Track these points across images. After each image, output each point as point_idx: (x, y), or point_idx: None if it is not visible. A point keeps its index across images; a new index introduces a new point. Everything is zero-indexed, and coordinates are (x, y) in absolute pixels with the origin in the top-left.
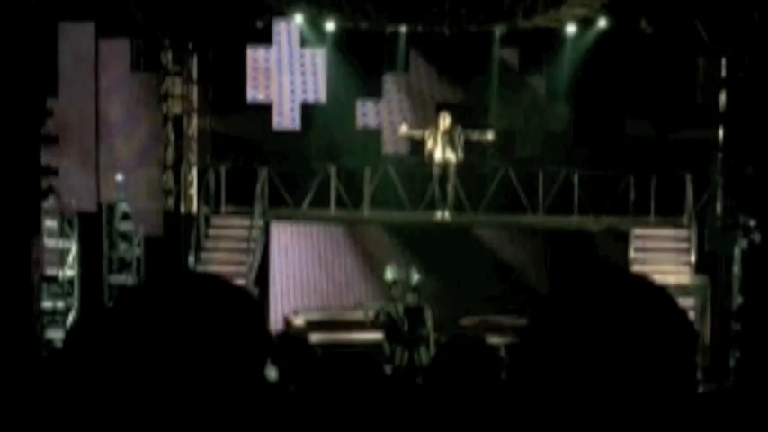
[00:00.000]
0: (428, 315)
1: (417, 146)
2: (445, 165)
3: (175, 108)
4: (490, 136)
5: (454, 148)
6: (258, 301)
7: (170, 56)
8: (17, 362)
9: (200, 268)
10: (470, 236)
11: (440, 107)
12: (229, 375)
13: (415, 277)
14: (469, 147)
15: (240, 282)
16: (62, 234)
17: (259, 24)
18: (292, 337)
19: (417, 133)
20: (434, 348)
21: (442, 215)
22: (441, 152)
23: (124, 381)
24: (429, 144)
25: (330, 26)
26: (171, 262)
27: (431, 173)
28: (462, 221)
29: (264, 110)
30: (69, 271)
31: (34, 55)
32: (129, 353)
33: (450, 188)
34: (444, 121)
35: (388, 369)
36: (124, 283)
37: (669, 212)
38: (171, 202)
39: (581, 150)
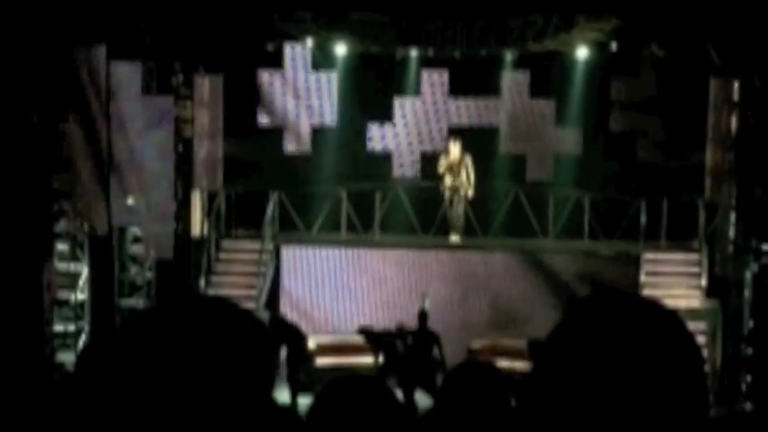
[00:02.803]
0: (438, 340)
1: (430, 169)
2: (455, 189)
3: (186, 131)
4: (470, 192)
5: (461, 174)
6: (264, 324)
7: (181, 79)
8: (29, 384)
9: (211, 292)
10: (481, 259)
11: (451, 131)
12: (237, 398)
13: (426, 302)
14: (481, 170)
15: (251, 305)
16: (73, 257)
17: (270, 48)
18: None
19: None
20: (444, 374)
21: (454, 238)
22: (451, 177)
23: (135, 404)
24: (442, 168)
25: (341, 50)
26: (182, 286)
27: (443, 196)
28: (472, 245)
29: (275, 133)
30: (80, 294)
31: (47, 79)
32: (138, 377)
33: (460, 211)
34: (454, 148)
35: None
36: (135, 306)
37: (680, 236)
38: (182, 225)
39: (592, 174)
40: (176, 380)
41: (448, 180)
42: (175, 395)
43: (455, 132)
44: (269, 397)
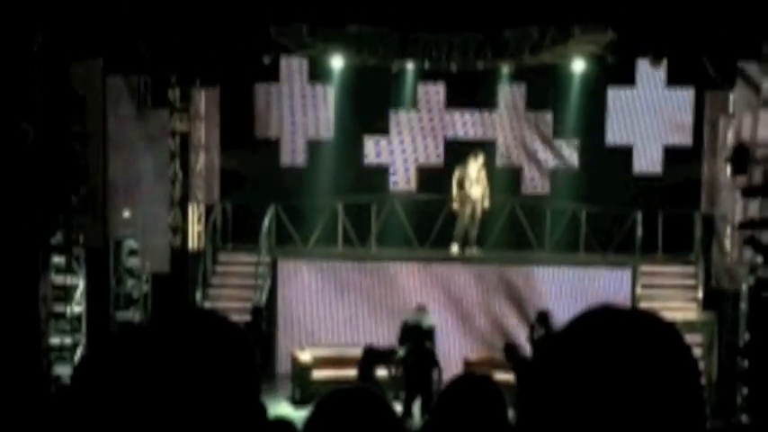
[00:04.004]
0: (433, 356)
1: (427, 181)
2: (474, 201)
3: (182, 144)
4: (486, 204)
5: (482, 186)
6: (246, 334)
7: (177, 92)
8: (26, 398)
9: (208, 305)
10: (478, 272)
11: (448, 144)
12: (228, 407)
13: (428, 320)
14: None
15: (246, 318)
16: (69, 270)
17: (266, 61)
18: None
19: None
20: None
21: (470, 251)
22: (471, 189)
23: (130, 416)
24: (463, 181)
25: (337, 62)
26: (178, 298)
27: (458, 209)
28: (470, 257)
29: (272, 146)
30: (77, 307)
31: (42, 92)
32: (132, 390)
33: (476, 224)
34: (478, 160)
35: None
36: (131, 319)
37: (676, 249)
38: (178, 238)
39: (588, 187)
40: (168, 392)
41: (472, 192)
42: (168, 407)
43: (453, 144)
44: (259, 406)
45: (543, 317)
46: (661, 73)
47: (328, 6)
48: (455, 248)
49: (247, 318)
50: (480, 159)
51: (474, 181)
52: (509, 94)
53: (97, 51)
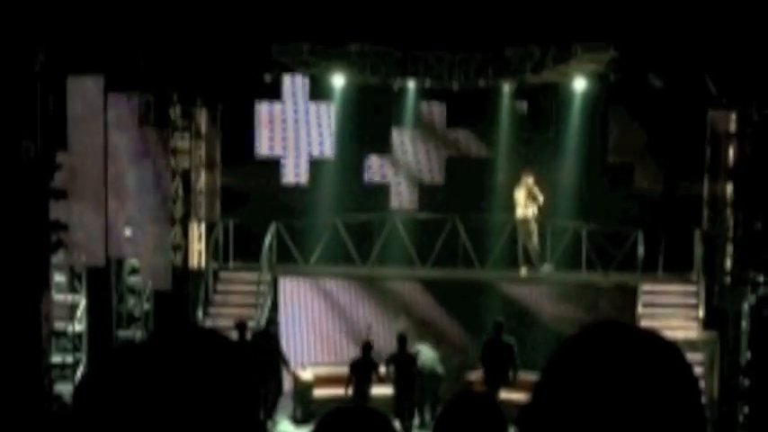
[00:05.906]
0: (377, 366)
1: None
2: (526, 220)
3: (184, 163)
4: (540, 199)
5: (535, 203)
6: (244, 352)
7: (178, 110)
8: (27, 416)
9: (209, 323)
10: (479, 290)
11: (449, 162)
12: (222, 427)
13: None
14: (478, 202)
15: (247, 336)
16: (71, 289)
17: (267, 79)
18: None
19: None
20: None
21: (539, 269)
22: (523, 208)
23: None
24: (524, 199)
25: (338, 81)
26: (179, 316)
27: (522, 228)
28: (470, 276)
29: (273, 165)
30: (78, 325)
31: (44, 109)
32: (132, 409)
33: (535, 241)
34: (528, 179)
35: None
36: (133, 337)
37: (678, 268)
38: (179, 256)
39: (589, 205)
40: (168, 411)
41: (529, 212)
42: (168, 425)
43: (455, 161)
44: (258, 425)
45: (498, 325)
46: (662, 91)
47: (329, 25)
48: (524, 270)
49: (248, 336)
50: (531, 180)
51: (526, 200)
52: (510, 112)
53: (99, 69)
